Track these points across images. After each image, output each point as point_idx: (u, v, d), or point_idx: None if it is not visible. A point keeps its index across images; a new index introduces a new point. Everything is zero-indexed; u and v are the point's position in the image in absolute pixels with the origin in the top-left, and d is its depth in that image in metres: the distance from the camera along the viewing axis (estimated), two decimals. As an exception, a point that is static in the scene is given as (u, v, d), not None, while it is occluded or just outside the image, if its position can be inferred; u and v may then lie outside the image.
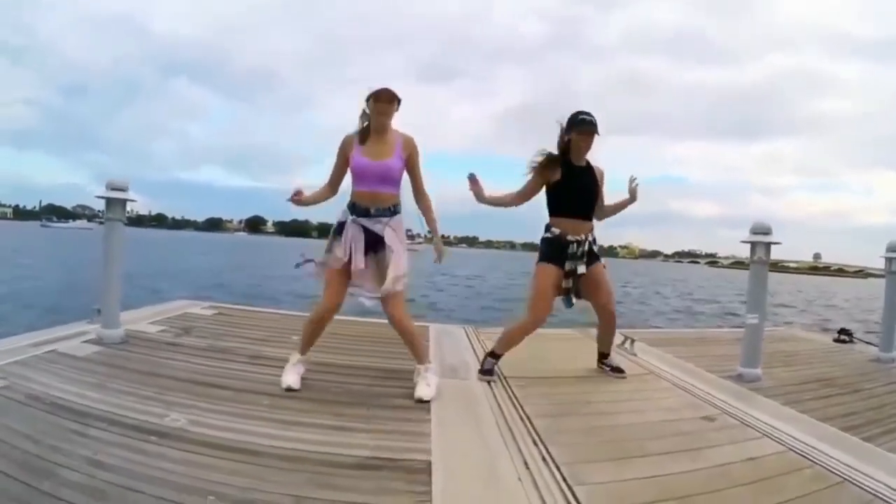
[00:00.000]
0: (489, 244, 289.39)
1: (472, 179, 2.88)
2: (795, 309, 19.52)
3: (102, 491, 1.50)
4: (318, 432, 2.05)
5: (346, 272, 2.56)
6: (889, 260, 4.14)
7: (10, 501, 1.43)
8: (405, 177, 2.66)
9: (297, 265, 2.69)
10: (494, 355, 3.03)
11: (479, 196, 2.92)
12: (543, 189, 2.96)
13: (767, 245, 3.26)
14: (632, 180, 3.10)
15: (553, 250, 2.91)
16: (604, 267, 3.04)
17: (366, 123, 2.59)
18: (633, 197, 3.12)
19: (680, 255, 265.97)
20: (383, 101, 2.50)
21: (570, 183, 2.90)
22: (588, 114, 2.87)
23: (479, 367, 3.04)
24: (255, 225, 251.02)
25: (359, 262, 2.53)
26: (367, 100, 2.53)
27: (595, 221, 3.05)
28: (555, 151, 2.92)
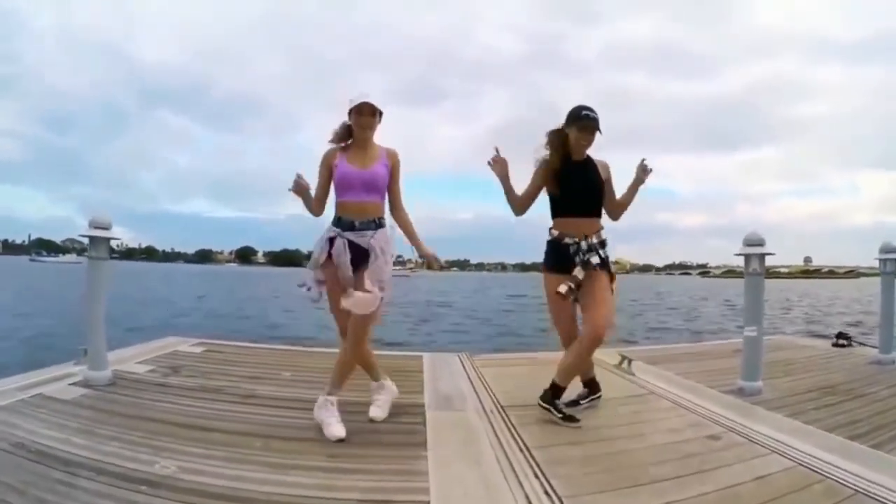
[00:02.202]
0: (480, 266, 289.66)
1: (497, 159, 2.75)
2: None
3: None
4: (313, 475, 1.98)
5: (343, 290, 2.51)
6: (883, 261, 4.16)
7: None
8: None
9: (307, 288, 2.62)
10: (557, 391, 2.71)
11: (504, 177, 2.77)
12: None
13: (762, 256, 3.25)
14: (642, 163, 2.80)
15: (552, 256, 2.75)
16: (611, 280, 2.71)
17: (339, 134, 2.59)
18: (638, 176, 2.80)
19: (671, 268, 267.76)
20: (365, 115, 2.50)
21: (569, 180, 2.71)
22: (590, 109, 2.68)
23: (558, 416, 2.66)
24: (245, 256, 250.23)
25: (346, 276, 2.48)
26: (349, 113, 2.52)
27: (612, 222, 2.84)
28: (548, 154, 2.75)
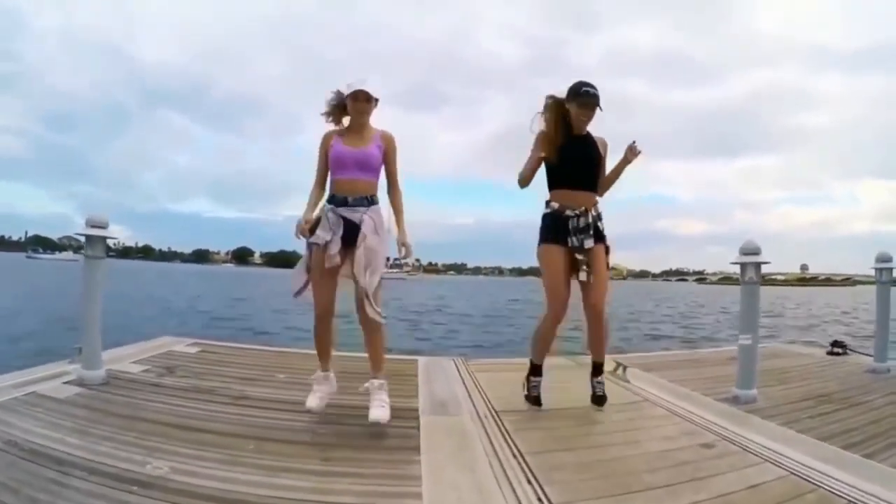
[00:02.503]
0: (477, 270, 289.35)
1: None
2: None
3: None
4: (305, 478, 1.97)
5: (331, 270, 2.56)
6: (879, 271, 4.17)
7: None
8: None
9: (298, 293, 2.69)
10: (536, 371, 2.87)
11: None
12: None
13: (758, 265, 3.25)
14: (632, 144, 2.84)
15: (552, 227, 2.75)
16: (606, 253, 2.81)
17: (332, 106, 2.69)
18: (626, 156, 2.84)
19: (668, 274, 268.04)
20: (361, 101, 2.60)
21: (568, 153, 2.74)
22: (591, 85, 2.72)
23: (524, 393, 2.85)
24: (242, 256, 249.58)
25: (333, 247, 2.53)
26: (347, 98, 2.62)
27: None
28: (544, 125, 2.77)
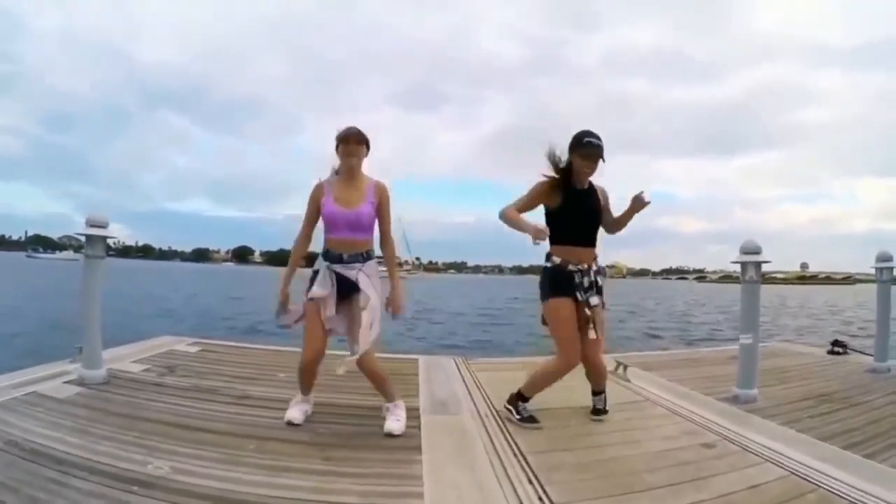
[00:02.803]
0: (477, 269, 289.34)
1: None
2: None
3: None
4: (306, 478, 1.97)
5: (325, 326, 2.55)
6: (880, 270, 4.17)
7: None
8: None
9: (282, 326, 2.67)
10: (523, 398, 2.82)
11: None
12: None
13: (758, 265, 3.26)
14: (640, 195, 2.79)
15: (558, 281, 2.73)
16: (602, 308, 2.78)
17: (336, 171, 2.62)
18: (633, 206, 2.80)
19: (668, 272, 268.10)
20: (352, 143, 2.52)
21: (571, 208, 2.72)
22: (594, 136, 2.66)
23: (517, 419, 2.77)
24: (242, 255, 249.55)
25: (329, 308, 2.52)
26: (337, 146, 2.55)
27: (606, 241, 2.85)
28: (551, 174, 2.74)
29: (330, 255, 2.55)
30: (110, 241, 3.26)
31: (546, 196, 2.74)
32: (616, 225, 2.90)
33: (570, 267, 2.71)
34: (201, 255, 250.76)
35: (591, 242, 2.81)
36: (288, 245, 2.64)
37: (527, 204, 2.77)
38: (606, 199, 2.86)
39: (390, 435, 2.49)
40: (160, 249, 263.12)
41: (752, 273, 3.26)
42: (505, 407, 2.86)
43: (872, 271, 4.25)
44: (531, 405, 2.81)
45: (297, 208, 2.66)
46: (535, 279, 2.89)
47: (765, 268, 3.34)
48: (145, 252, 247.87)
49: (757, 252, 3.26)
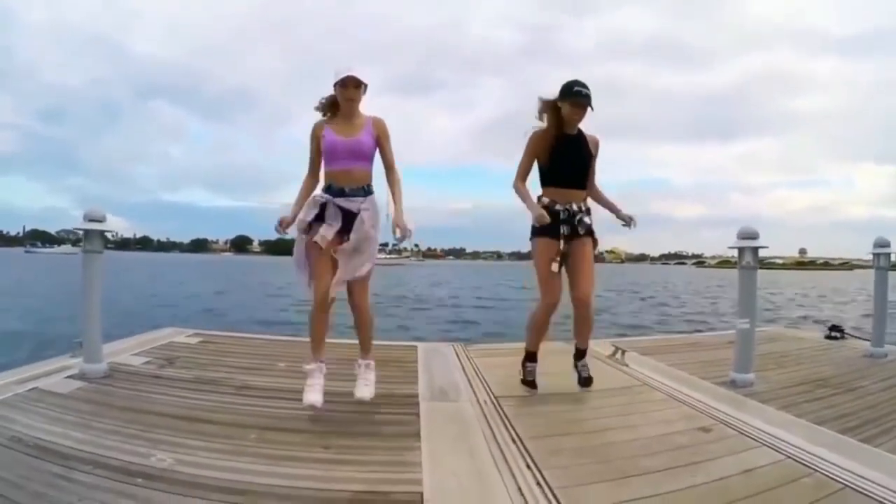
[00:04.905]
0: (476, 255, 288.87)
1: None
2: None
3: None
4: (308, 466, 2.00)
5: (327, 257, 2.60)
6: (877, 256, 4.18)
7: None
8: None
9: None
10: (531, 358, 2.98)
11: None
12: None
13: (755, 250, 3.27)
14: (630, 218, 2.99)
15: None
16: (594, 247, 2.92)
17: (325, 105, 2.70)
18: (622, 218, 3.00)
19: (667, 258, 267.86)
20: (350, 87, 2.59)
21: (560, 153, 2.82)
22: (583, 85, 2.75)
23: (520, 378, 2.99)
24: (241, 245, 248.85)
25: (327, 236, 2.57)
26: (335, 86, 2.61)
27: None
28: (541, 124, 2.85)
29: (331, 189, 2.62)
30: (108, 235, 3.26)
31: (540, 146, 2.84)
32: (596, 197, 3.04)
33: (557, 206, 2.81)
34: (200, 246, 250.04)
35: (581, 185, 2.90)
36: (287, 236, 2.66)
37: (527, 163, 2.89)
38: (597, 147, 2.95)
39: (362, 401, 2.62)
40: (158, 241, 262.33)
41: (748, 258, 3.27)
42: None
43: (870, 257, 4.27)
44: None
45: (293, 197, 2.71)
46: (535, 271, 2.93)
47: (763, 253, 3.36)
48: (143, 244, 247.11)
49: (754, 237, 3.26)
